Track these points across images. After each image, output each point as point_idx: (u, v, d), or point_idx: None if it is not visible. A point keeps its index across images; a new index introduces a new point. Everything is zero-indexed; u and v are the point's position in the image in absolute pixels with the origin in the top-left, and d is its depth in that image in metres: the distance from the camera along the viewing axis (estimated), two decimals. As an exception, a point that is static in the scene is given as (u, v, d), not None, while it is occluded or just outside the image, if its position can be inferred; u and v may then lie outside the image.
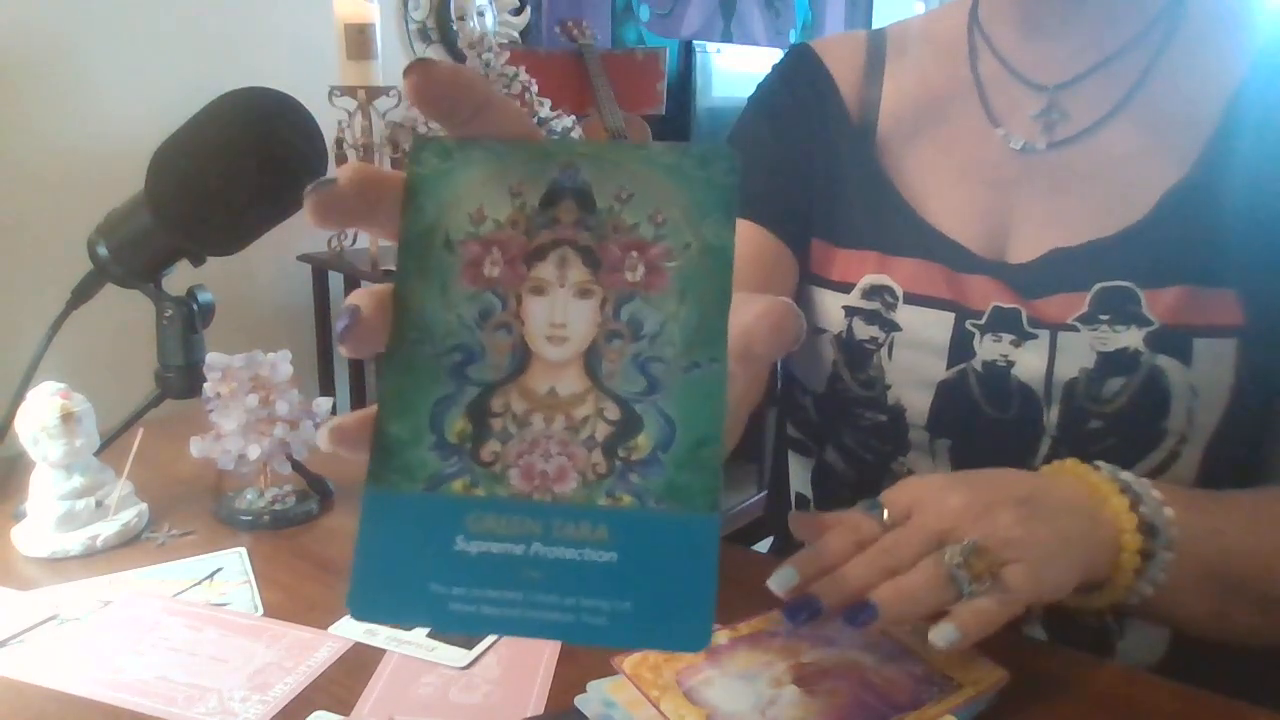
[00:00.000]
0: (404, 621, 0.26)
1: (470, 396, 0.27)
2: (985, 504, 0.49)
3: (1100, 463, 0.55)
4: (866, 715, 0.45)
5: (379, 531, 0.26)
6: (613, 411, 0.27)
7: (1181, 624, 0.57)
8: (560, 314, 0.28)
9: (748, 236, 0.70)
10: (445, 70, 0.27)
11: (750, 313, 0.28)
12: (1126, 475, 0.54)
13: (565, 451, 0.27)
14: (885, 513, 0.52)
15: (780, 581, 0.49)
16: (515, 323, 0.28)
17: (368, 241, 2.22)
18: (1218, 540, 0.54)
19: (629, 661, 0.48)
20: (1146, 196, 0.61)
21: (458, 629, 0.26)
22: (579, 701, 0.48)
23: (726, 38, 3.23)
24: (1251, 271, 0.59)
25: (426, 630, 0.56)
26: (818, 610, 0.47)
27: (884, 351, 0.66)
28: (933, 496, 0.51)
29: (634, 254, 0.28)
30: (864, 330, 0.67)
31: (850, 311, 0.68)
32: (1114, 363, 0.59)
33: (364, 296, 0.27)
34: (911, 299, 0.65)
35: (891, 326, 0.66)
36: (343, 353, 0.27)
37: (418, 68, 0.27)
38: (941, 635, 0.46)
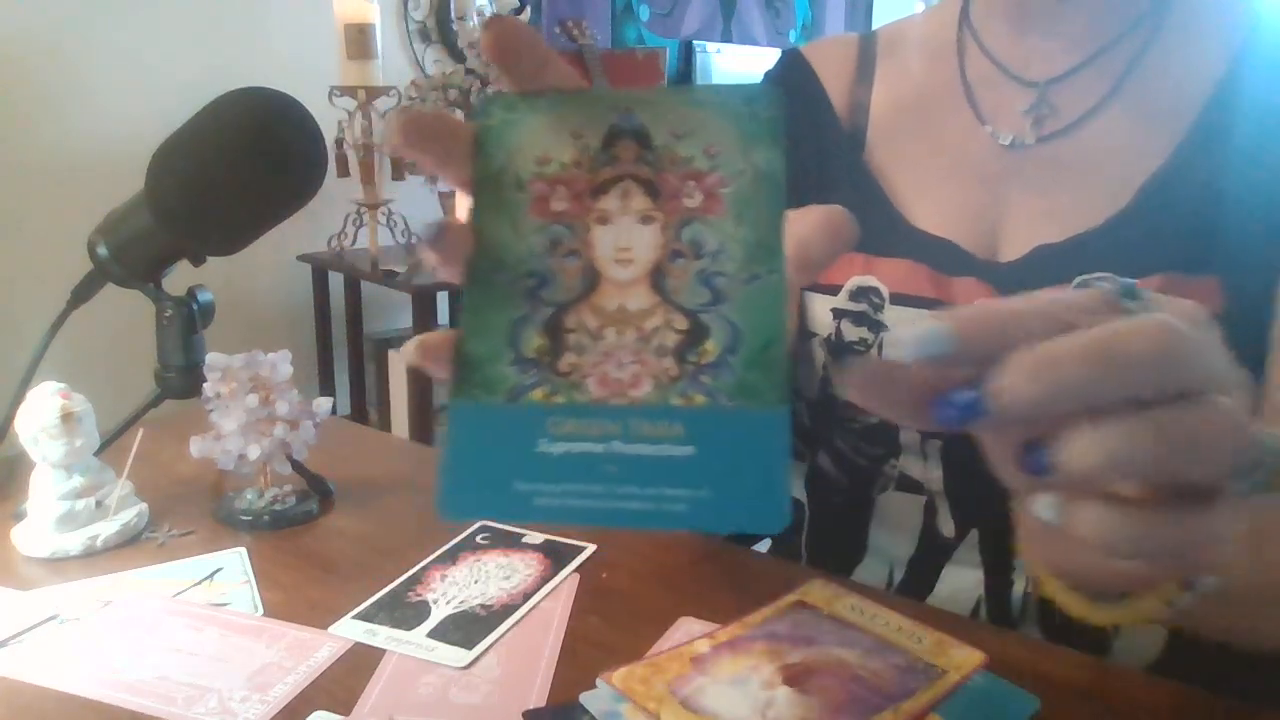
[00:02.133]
0: (491, 515, 0.29)
1: (545, 316, 0.29)
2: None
3: None
4: (862, 708, 0.45)
5: (464, 438, 0.28)
6: (680, 322, 0.29)
7: (1215, 636, 0.48)
8: (625, 238, 0.30)
9: None
10: (516, 25, 0.29)
11: (805, 222, 0.29)
12: None
13: (638, 359, 0.29)
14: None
15: (926, 344, 0.30)
16: (584, 248, 0.30)
17: (367, 241, 2.22)
18: (1261, 548, 0.51)
19: (618, 676, 0.48)
20: (1129, 186, 0.62)
21: (543, 519, 0.28)
22: (584, 698, 0.48)
23: (726, 38, 3.24)
24: (1234, 256, 0.58)
25: (427, 630, 0.56)
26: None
27: (874, 353, 0.66)
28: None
29: (691, 183, 0.30)
30: (853, 332, 0.67)
31: (838, 314, 0.68)
32: None
33: (451, 220, 0.29)
34: (897, 299, 0.66)
35: (879, 327, 0.66)
36: (428, 260, 0.29)
37: (495, 22, 0.28)
38: (1045, 505, 0.31)
